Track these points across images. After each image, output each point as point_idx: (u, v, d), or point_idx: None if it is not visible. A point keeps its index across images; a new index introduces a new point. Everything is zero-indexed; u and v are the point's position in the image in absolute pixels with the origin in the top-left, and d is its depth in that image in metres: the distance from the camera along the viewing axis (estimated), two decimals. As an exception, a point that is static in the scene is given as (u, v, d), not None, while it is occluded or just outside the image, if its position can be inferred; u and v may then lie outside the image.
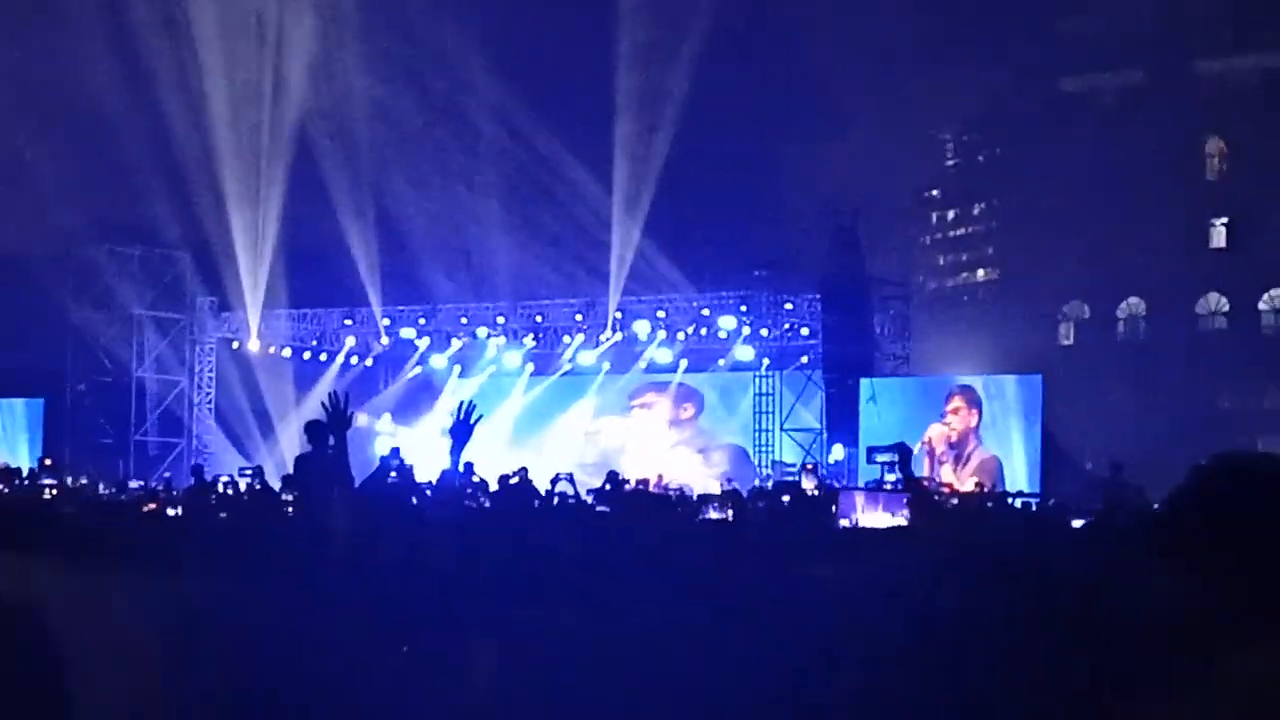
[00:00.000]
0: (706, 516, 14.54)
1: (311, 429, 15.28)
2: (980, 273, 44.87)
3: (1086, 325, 42.02)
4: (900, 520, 16.02)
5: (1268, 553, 2.71)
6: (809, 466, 26.57)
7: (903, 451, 10.45)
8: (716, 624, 5.40)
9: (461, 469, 23.65)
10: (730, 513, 15.06)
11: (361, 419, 35.40)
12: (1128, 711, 2.85)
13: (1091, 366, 36.68)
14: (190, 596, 6.59)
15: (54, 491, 20.94)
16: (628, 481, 25.24)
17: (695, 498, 20.87)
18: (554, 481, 23.70)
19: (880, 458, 22.12)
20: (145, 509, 12.20)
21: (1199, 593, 2.75)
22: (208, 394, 35.67)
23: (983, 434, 27.83)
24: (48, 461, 27.02)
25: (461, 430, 7.83)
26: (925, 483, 22.78)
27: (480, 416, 7.97)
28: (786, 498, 18.14)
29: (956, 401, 28.02)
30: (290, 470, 23.15)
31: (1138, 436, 29.02)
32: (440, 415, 36.48)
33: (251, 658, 5.57)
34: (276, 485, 20.00)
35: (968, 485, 25.04)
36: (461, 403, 7.90)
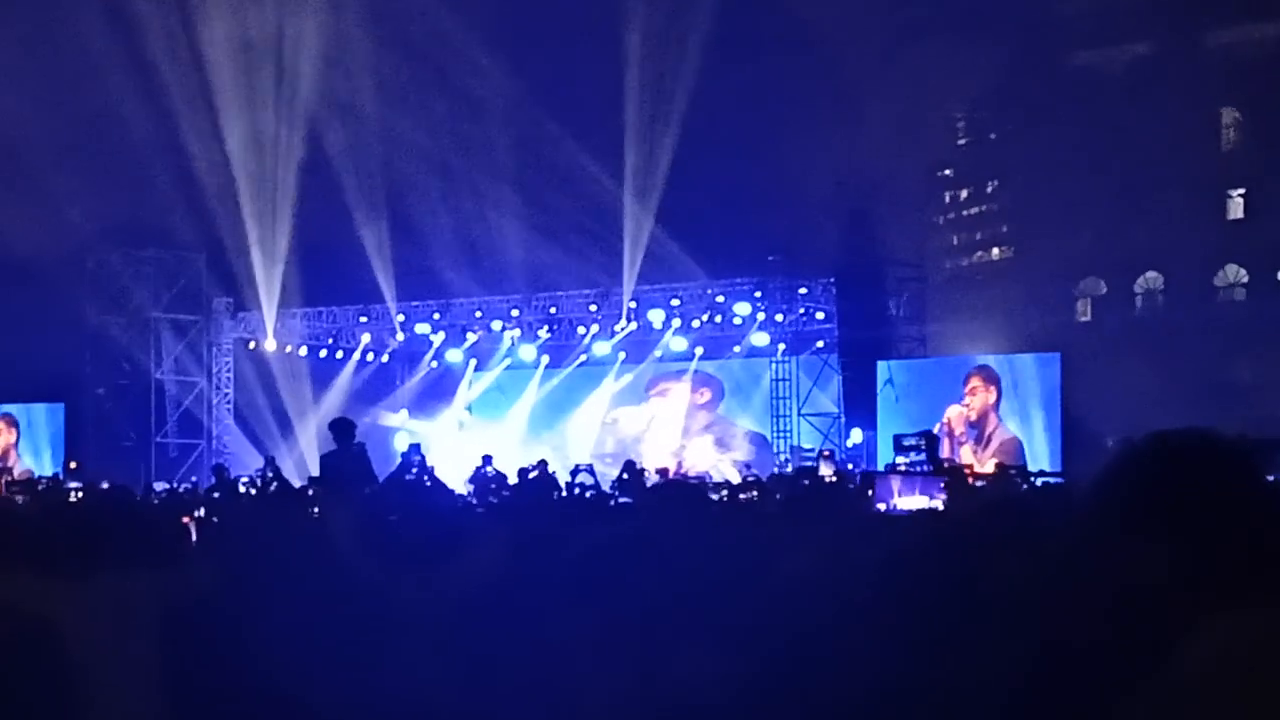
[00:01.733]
0: (730, 501, 14.53)
1: (335, 427, 15.36)
2: (995, 251, 44.67)
3: (1104, 301, 41.80)
4: (937, 504, 15.98)
5: (1191, 528, 2.71)
6: (826, 453, 26.50)
7: (929, 439, 10.46)
8: (744, 615, 5.37)
9: (480, 462, 23.79)
10: (754, 496, 15.06)
11: (381, 416, 35.49)
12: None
13: (1110, 343, 36.47)
14: (216, 596, 6.57)
15: (80, 494, 20.90)
16: (645, 470, 25.27)
17: (715, 485, 20.89)
18: (574, 473, 23.73)
19: (907, 442, 22.02)
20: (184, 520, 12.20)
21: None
22: (226, 394, 35.75)
23: (1002, 414, 27.75)
24: (73, 465, 27.09)
25: None
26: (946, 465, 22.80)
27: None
28: (807, 482, 18.11)
29: (974, 382, 27.96)
30: (311, 466, 23.30)
31: (1158, 411, 28.80)
32: (458, 409, 36.57)
33: (277, 658, 5.55)
34: (296, 481, 20.07)
35: (988, 466, 24.96)
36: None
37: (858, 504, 16.00)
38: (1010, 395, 27.78)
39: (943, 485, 16.87)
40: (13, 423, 33.31)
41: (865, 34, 36.81)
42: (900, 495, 17.81)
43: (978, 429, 27.93)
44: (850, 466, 26.79)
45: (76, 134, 30.14)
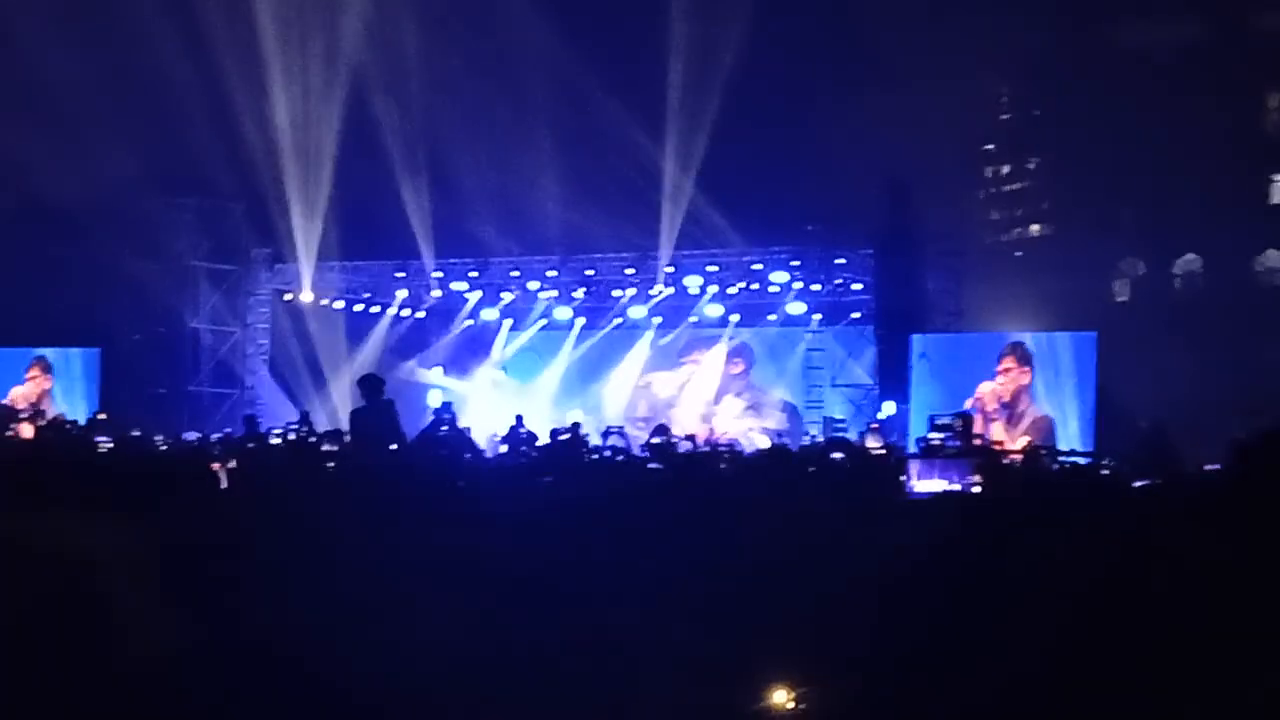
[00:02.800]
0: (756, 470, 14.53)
1: (364, 384, 15.40)
2: (1034, 228, 44.47)
3: (1142, 282, 41.60)
4: (955, 487, 15.97)
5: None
6: (874, 426, 26.31)
7: (966, 421, 10.46)
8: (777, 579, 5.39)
9: (513, 422, 23.88)
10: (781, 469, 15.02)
11: (415, 372, 35.58)
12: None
13: (1147, 323, 36.28)
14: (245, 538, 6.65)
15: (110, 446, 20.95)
16: (676, 436, 25.28)
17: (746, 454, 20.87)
18: (605, 435, 23.79)
19: (942, 422, 21.92)
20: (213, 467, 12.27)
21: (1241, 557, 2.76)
22: (261, 345, 35.79)
23: (1035, 392, 27.64)
24: (102, 416, 27.12)
25: None
26: (978, 442, 22.71)
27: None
28: (839, 455, 18.09)
29: (1008, 361, 27.82)
30: (343, 420, 23.35)
31: (1194, 394, 28.74)
32: (491, 368, 36.62)
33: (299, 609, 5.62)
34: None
35: (1019, 444, 24.86)
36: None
37: (896, 480, 16.02)
38: (1044, 373, 27.65)
39: (972, 469, 16.77)
40: (48, 368, 33.46)
41: (913, 5, 36.61)
42: (919, 479, 17.79)
43: (1009, 408, 27.79)
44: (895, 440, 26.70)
45: (120, 80, 30.16)
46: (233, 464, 13.37)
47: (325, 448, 14.88)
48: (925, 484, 17.27)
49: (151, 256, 34.19)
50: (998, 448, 23.05)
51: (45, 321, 32.66)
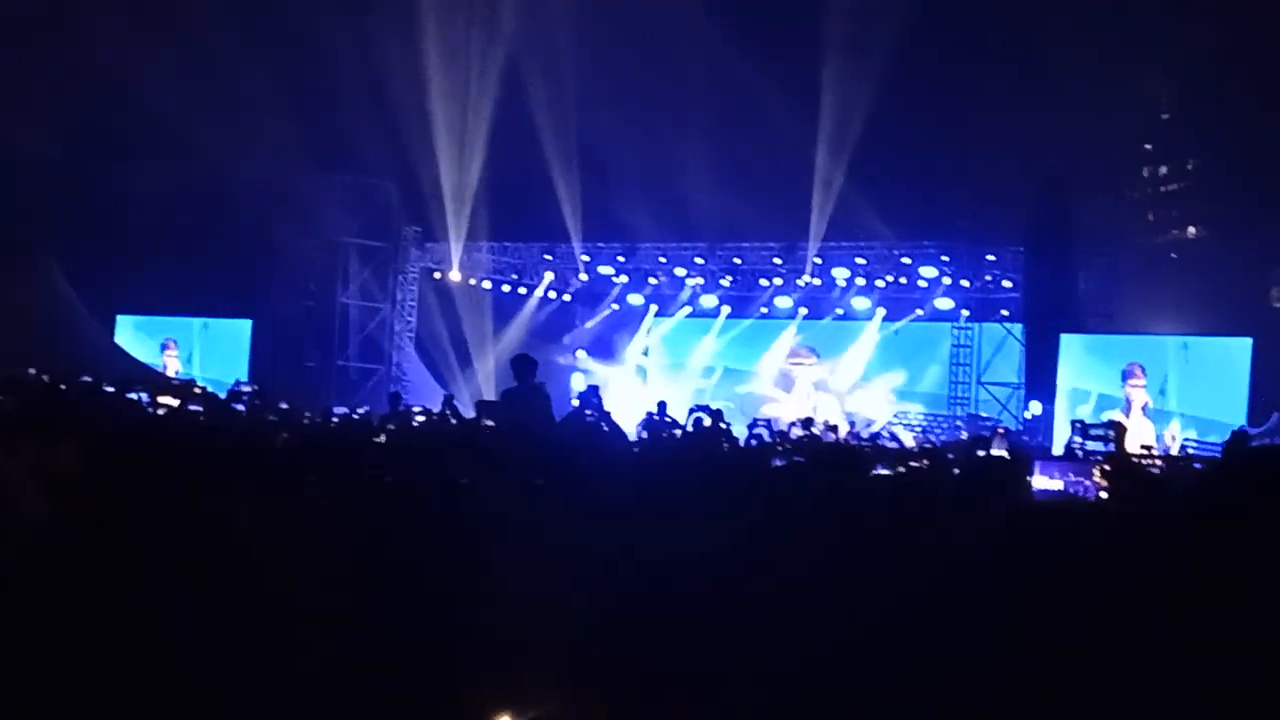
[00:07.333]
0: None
1: (517, 364, 15.44)
2: (1190, 230, 43.68)
3: (1301, 289, 40.71)
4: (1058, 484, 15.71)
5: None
6: (1001, 431, 26.03)
7: (1119, 430, 10.27)
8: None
9: (656, 409, 23.89)
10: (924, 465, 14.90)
11: (559, 355, 35.76)
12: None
13: (1304, 331, 35.50)
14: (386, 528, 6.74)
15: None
16: (819, 427, 25.19)
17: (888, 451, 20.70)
18: (751, 426, 23.73)
19: (1095, 432, 21.55)
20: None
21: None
22: (409, 322, 36.22)
23: (1184, 396, 27.24)
24: (249, 387, 27.49)
25: None
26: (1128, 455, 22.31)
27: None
28: (983, 452, 17.90)
29: (1138, 375, 27.54)
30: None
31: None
32: (635, 353, 36.72)
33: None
34: (469, 414, 20.26)
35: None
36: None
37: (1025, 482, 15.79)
38: (1194, 377, 27.26)
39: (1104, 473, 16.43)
40: (174, 346, 34.31)
41: (1074, 3, 36.10)
42: (1040, 474, 17.52)
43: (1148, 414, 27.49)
44: (1026, 439, 26.41)
45: (280, 58, 30.58)
46: (382, 438, 13.50)
47: (485, 422, 14.88)
48: (1044, 481, 16.98)
49: (305, 232, 34.71)
50: (1144, 452, 22.65)
51: (201, 292, 33.29)
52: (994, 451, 22.67)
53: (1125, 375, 27.39)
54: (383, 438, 13.51)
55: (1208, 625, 2.99)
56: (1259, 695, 2.89)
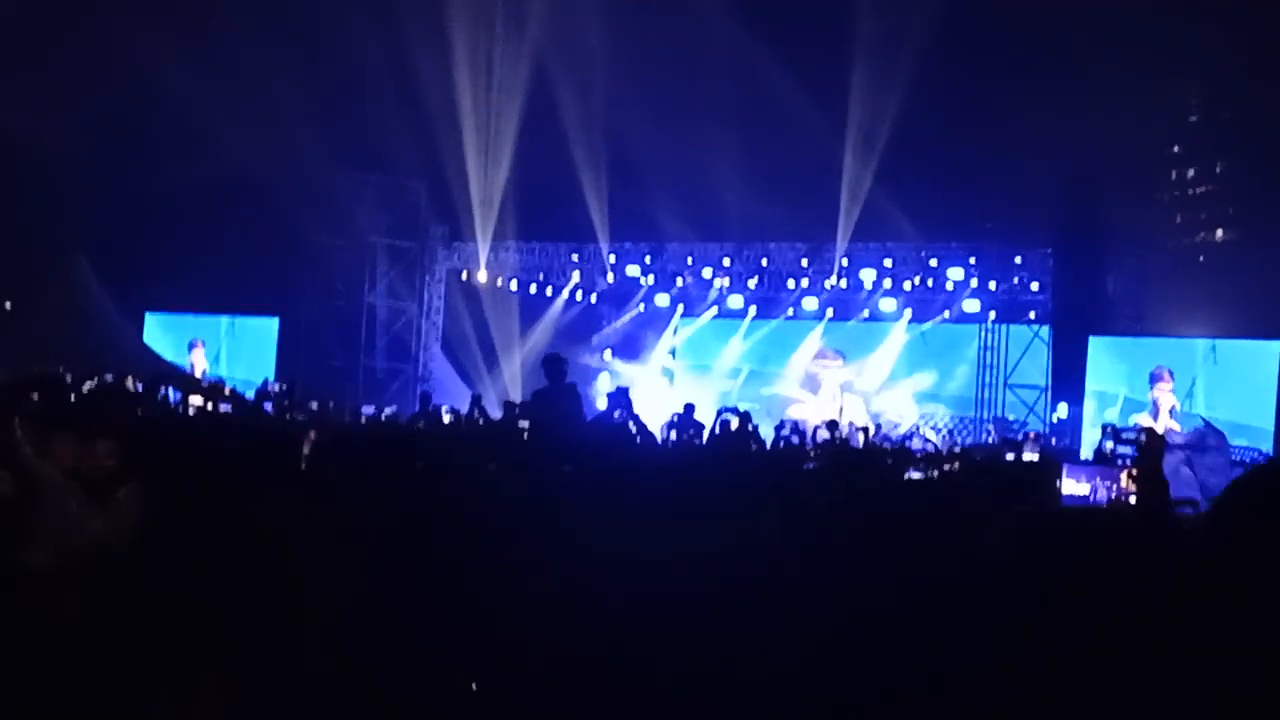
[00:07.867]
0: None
1: (548, 364, 15.46)
2: (1219, 232, 43.57)
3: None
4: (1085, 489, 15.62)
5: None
6: (1033, 435, 25.95)
7: (1152, 437, 10.20)
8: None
9: (683, 410, 23.86)
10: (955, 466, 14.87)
11: (586, 355, 35.78)
12: None
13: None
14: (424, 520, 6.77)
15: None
16: (846, 429, 25.14)
17: (918, 452, 20.64)
18: (779, 428, 23.69)
19: (1126, 436, 21.41)
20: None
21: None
22: (435, 323, 36.27)
23: (1211, 399, 27.12)
24: (274, 388, 27.50)
25: None
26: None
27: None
28: (1012, 455, 17.85)
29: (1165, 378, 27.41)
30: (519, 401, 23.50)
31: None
32: (662, 354, 36.73)
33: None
34: (496, 415, 20.29)
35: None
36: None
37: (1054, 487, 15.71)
38: (1222, 380, 27.15)
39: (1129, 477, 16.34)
40: (202, 345, 34.48)
41: (1103, 5, 36.01)
42: (1067, 476, 17.42)
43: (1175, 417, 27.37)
44: (1053, 441, 26.35)
45: (309, 57, 30.68)
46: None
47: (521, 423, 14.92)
48: (1072, 485, 16.84)
49: (334, 231, 34.80)
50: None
51: (229, 290, 33.39)
52: (1025, 456, 22.62)
53: (1153, 378, 27.18)
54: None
55: (1230, 631, 3.01)
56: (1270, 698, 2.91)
